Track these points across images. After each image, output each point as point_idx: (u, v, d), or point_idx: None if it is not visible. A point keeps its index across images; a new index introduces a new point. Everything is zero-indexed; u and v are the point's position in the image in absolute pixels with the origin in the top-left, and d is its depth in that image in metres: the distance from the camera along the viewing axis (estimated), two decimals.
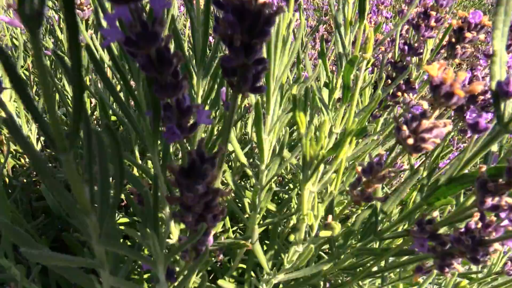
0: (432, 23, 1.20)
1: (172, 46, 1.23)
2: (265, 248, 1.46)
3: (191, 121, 0.65)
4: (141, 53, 0.54)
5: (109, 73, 1.47)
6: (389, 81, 1.28)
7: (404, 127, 0.61)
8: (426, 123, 0.60)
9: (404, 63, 1.28)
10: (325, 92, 1.19)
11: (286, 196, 1.65)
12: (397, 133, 0.62)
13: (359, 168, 0.72)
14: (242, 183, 1.74)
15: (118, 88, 1.59)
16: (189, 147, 1.02)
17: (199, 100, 0.93)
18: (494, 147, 0.90)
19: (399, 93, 1.27)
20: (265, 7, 0.52)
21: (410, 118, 0.62)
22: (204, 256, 0.66)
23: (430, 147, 0.60)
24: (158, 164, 0.70)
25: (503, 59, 0.70)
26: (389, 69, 1.30)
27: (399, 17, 1.45)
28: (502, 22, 0.69)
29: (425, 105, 0.61)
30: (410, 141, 0.60)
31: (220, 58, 0.58)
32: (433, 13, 1.19)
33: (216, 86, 0.93)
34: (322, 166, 1.06)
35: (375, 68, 1.65)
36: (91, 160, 0.56)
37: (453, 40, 1.14)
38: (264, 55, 0.84)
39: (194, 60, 0.92)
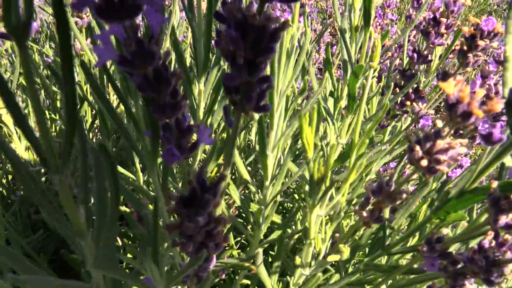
0: (442, 30, 1.16)
1: (173, 57, 1.19)
2: (270, 260, 1.42)
3: (192, 141, 0.62)
4: (137, 72, 0.51)
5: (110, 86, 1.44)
6: (397, 89, 1.24)
7: (417, 148, 0.58)
8: (440, 144, 0.56)
9: (413, 71, 1.25)
10: (330, 101, 1.16)
11: (291, 205, 1.62)
12: (410, 154, 0.58)
13: (368, 187, 0.68)
14: (246, 191, 1.71)
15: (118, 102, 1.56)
16: (190, 160, 0.99)
17: (201, 113, 0.89)
18: (509, 161, 0.86)
19: (408, 102, 1.23)
20: (270, 22, 0.48)
21: (424, 138, 0.58)
22: (206, 283, 0.63)
23: (445, 169, 0.56)
24: (159, 185, 0.66)
25: None
26: (397, 77, 1.26)
27: (407, 22, 1.41)
28: None
29: (440, 123, 0.57)
30: (424, 163, 0.56)
31: (222, 75, 0.54)
32: (444, 19, 1.15)
33: (219, 98, 0.90)
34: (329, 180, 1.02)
35: (383, 76, 1.62)
36: (86, 178, 0.53)
37: (465, 48, 1.10)
38: (268, 69, 0.81)
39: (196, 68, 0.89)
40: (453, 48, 1.32)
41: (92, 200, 0.55)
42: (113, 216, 0.49)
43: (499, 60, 1.22)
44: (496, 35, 1.07)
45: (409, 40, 1.37)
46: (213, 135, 0.96)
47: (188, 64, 1.49)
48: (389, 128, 1.39)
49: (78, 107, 1.56)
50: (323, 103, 1.04)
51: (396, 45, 1.52)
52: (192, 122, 0.77)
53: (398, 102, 1.24)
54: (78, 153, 0.48)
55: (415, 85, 1.22)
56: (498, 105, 0.53)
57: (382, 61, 1.70)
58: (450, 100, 0.54)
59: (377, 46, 0.85)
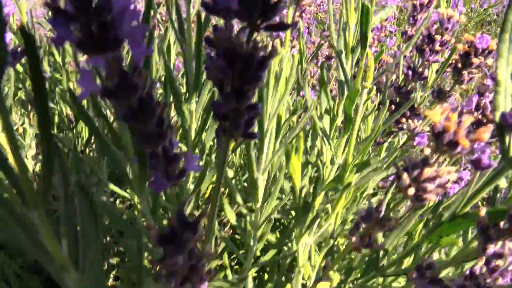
0: (437, 47, 1.16)
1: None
2: (266, 277, 1.41)
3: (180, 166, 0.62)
4: (120, 103, 0.50)
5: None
6: (393, 106, 1.24)
7: (405, 175, 0.57)
8: (428, 172, 0.56)
9: (408, 88, 1.24)
10: (326, 119, 1.15)
11: (288, 221, 1.60)
12: (397, 181, 0.58)
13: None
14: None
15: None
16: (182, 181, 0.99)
17: (193, 133, 0.89)
18: (503, 183, 0.86)
19: (404, 120, 1.23)
20: (258, 51, 0.48)
21: (411, 165, 0.57)
22: None
23: (433, 197, 0.56)
24: (148, 211, 0.66)
25: (508, 89, 0.66)
26: (393, 93, 1.26)
27: (403, 38, 1.41)
28: (507, 50, 0.65)
29: (427, 151, 0.57)
30: (411, 191, 0.56)
31: (211, 102, 0.54)
32: (438, 37, 1.15)
33: (210, 118, 0.90)
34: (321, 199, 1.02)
35: (380, 88, 1.61)
36: (69, 211, 0.53)
37: (459, 65, 1.10)
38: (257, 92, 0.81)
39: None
40: (450, 62, 1.32)
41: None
42: (97, 255, 0.48)
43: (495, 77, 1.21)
44: (490, 52, 1.07)
45: (405, 57, 1.37)
46: (204, 156, 0.96)
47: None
48: (386, 144, 1.39)
49: (74, 124, 1.56)
50: (318, 123, 1.04)
51: (391, 61, 1.52)
52: (184, 144, 0.77)
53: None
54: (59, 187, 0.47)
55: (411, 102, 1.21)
56: (486, 134, 0.52)
57: (380, 72, 1.69)
58: (436, 128, 0.54)
59: (370, 66, 0.85)
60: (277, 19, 0.50)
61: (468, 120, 0.55)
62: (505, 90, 0.66)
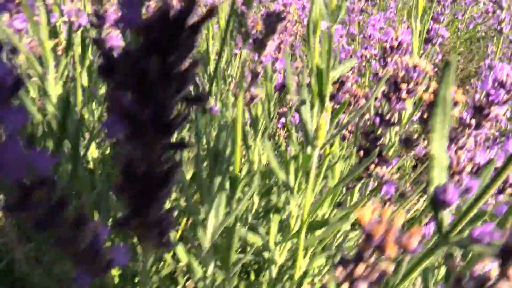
0: (403, 95, 1.13)
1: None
2: None
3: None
4: (25, 219, 0.48)
5: None
6: (362, 152, 1.22)
7: (339, 270, 0.54)
8: (360, 270, 0.53)
9: (376, 135, 1.22)
10: (292, 166, 1.13)
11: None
12: (333, 275, 0.55)
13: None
14: None
15: None
16: None
17: None
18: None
19: (372, 166, 1.20)
20: (157, 170, 0.44)
21: (345, 261, 0.55)
22: None
23: None
24: None
25: (444, 163, 0.64)
26: (361, 139, 1.24)
27: (373, 80, 1.39)
28: (440, 124, 0.64)
29: (361, 246, 0.54)
30: None
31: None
32: (404, 85, 1.12)
33: None
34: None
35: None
36: None
37: (425, 116, 1.08)
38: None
39: None
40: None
41: None
42: None
43: (466, 124, 1.18)
44: (456, 104, 1.05)
45: (376, 98, 1.35)
46: None
47: None
48: (359, 186, 1.36)
49: None
50: (280, 175, 1.02)
51: (364, 100, 1.49)
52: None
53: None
54: None
55: (379, 150, 1.19)
56: (415, 241, 0.49)
57: (354, 114, 1.67)
58: (365, 231, 0.51)
59: (322, 126, 0.82)
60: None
61: (400, 219, 0.52)
62: (440, 164, 0.64)
